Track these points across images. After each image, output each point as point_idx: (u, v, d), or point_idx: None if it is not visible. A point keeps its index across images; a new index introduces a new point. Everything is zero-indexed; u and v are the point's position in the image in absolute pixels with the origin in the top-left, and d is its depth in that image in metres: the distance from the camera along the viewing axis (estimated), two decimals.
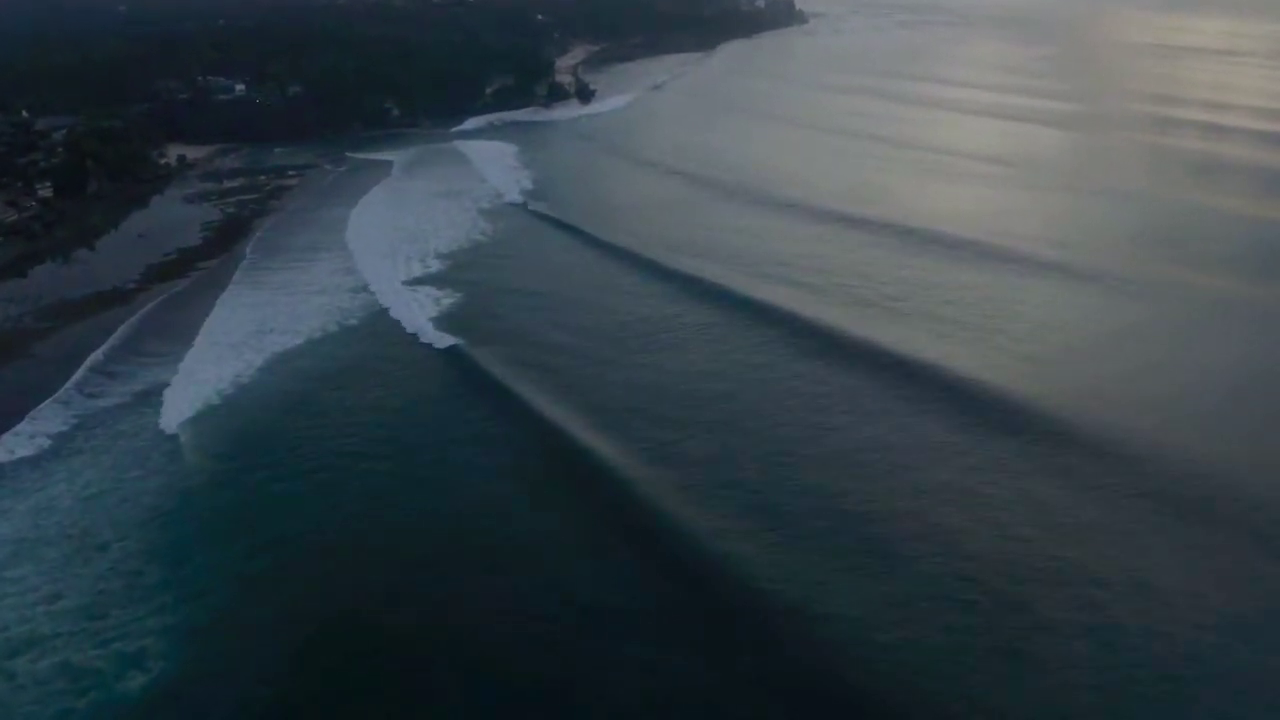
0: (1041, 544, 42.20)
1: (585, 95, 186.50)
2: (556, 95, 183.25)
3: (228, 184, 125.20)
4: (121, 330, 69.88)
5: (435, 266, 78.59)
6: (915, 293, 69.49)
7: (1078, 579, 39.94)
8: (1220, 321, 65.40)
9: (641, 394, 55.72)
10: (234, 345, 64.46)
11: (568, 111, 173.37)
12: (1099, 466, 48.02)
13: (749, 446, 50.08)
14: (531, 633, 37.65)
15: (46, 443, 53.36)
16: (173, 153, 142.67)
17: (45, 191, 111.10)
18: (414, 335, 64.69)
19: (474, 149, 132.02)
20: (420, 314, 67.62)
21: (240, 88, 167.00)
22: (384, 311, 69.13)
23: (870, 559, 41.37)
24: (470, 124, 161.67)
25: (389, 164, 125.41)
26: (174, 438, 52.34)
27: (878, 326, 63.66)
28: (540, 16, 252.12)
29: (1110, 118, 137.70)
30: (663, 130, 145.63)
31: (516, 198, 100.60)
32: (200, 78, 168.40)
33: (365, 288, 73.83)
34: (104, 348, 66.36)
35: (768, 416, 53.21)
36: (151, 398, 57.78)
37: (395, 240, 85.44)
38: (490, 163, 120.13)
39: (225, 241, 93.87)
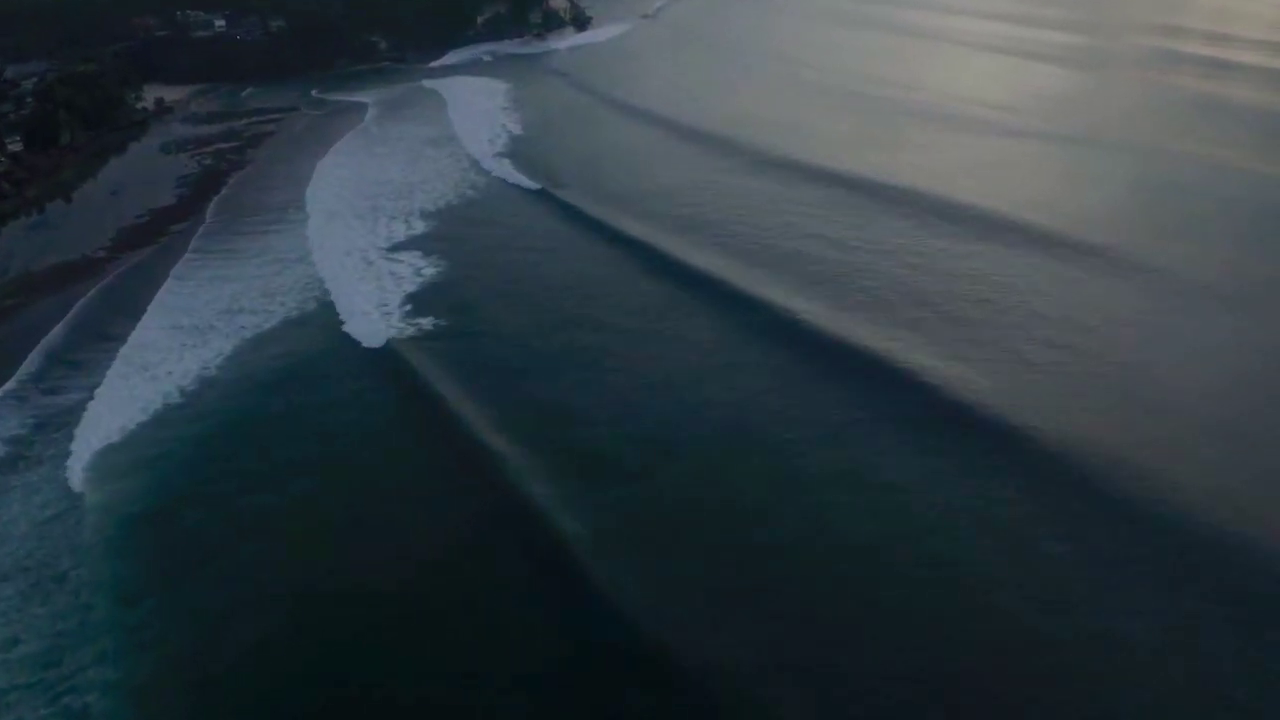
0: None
1: (581, 22, 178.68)
2: (551, 23, 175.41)
3: (206, 129, 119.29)
4: (79, 307, 64.57)
5: (397, 239, 71.42)
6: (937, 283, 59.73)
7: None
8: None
9: (620, 410, 48.45)
10: (194, 329, 59.33)
11: (561, 42, 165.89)
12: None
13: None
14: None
15: (1, 450, 49.54)
16: (150, 95, 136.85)
17: (15, 146, 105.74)
18: (353, 334, 57.23)
19: (458, 90, 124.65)
20: (371, 303, 60.53)
21: (220, 23, 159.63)
22: (329, 297, 62.50)
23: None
24: (458, 59, 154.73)
25: (363, 108, 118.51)
26: (131, 445, 47.88)
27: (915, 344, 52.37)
28: None
29: (1119, 53, 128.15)
30: (658, 68, 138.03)
31: (496, 155, 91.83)
32: (179, 13, 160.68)
33: (316, 272, 66.93)
34: (61, 329, 61.36)
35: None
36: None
37: (355, 208, 78.95)
38: (471, 109, 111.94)
39: (199, 199, 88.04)
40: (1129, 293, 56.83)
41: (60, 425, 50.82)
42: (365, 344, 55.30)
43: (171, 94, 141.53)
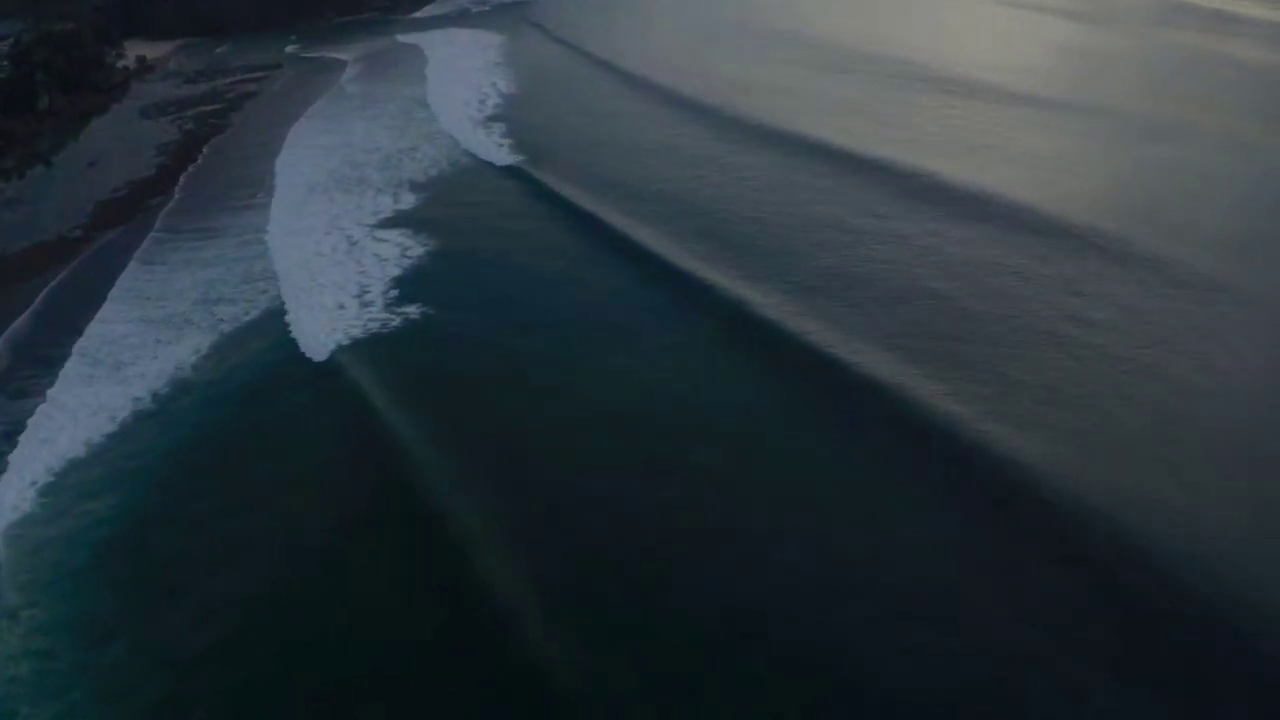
0: None
1: None
2: None
3: (188, 90, 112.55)
4: (48, 295, 58.93)
5: (383, 215, 64.80)
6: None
7: None
8: None
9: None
10: (167, 321, 53.99)
11: None
12: None
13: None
14: None
15: None
16: (131, 52, 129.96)
17: None
18: (332, 330, 50.73)
19: (443, 46, 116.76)
20: (349, 294, 54.27)
21: None
22: (309, 285, 55.99)
23: None
24: (447, 8, 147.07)
25: (342, 66, 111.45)
26: (97, 459, 42.88)
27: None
28: None
29: (1134, 6, 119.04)
30: (656, 17, 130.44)
31: (474, 125, 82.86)
32: None
33: (296, 256, 60.12)
34: (28, 320, 55.91)
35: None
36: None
37: (332, 181, 72.42)
38: (453, 69, 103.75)
39: (178, 170, 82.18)
40: (1138, 293, 49.20)
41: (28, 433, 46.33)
42: (344, 342, 49.52)
43: (154, 50, 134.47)
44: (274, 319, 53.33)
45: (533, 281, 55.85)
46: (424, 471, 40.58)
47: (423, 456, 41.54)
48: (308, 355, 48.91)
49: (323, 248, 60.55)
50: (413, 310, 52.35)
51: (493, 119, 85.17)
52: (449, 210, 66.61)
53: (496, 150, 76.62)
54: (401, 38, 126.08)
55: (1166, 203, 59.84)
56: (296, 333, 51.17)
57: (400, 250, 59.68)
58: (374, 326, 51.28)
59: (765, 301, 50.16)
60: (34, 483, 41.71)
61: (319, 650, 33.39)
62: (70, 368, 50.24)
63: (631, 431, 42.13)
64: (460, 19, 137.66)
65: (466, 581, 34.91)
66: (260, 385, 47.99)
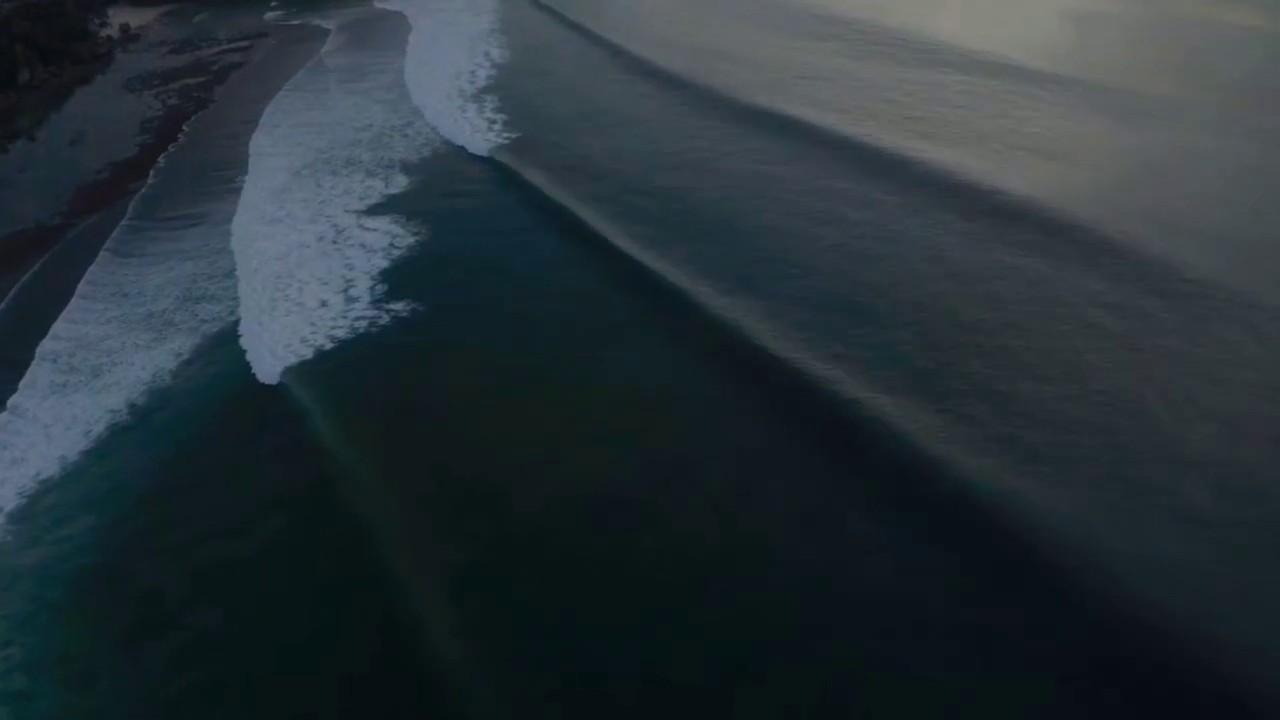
0: None
1: None
2: None
3: (172, 61, 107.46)
4: (21, 290, 55.35)
5: (371, 201, 60.25)
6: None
7: None
8: None
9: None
10: (146, 322, 50.40)
11: None
12: None
13: None
14: None
15: None
16: (116, 20, 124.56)
17: None
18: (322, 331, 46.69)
19: (427, 14, 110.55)
20: (334, 290, 50.12)
21: None
22: (295, 279, 51.79)
23: None
24: None
25: (325, 34, 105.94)
26: (72, 480, 39.76)
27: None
28: None
29: None
30: None
31: (456, 105, 76.23)
32: None
33: (282, 247, 55.76)
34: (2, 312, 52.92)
35: None
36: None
37: (318, 164, 68.00)
38: (438, 43, 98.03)
39: (160, 149, 78.12)
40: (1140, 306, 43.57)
41: None
42: (327, 347, 45.63)
43: (138, 17, 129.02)
44: (260, 319, 49.82)
45: (526, 274, 52.07)
46: (416, 482, 37.71)
47: (414, 466, 38.67)
48: (296, 361, 45.41)
49: (306, 238, 56.80)
50: (400, 307, 48.85)
51: (483, 91, 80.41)
52: (433, 196, 62.13)
53: (486, 129, 71.65)
54: (382, 4, 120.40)
55: (1164, 186, 56.10)
56: (285, 335, 47.68)
57: (389, 240, 55.95)
58: (361, 326, 47.79)
59: (769, 303, 45.91)
60: (3, 508, 38.73)
61: (306, 690, 30.79)
62: (42, 375, 46.74)
63: (622, 447, 38.51)
64: None
65: (461, 608, 32.37)
66: (247, 393, 44.54)
